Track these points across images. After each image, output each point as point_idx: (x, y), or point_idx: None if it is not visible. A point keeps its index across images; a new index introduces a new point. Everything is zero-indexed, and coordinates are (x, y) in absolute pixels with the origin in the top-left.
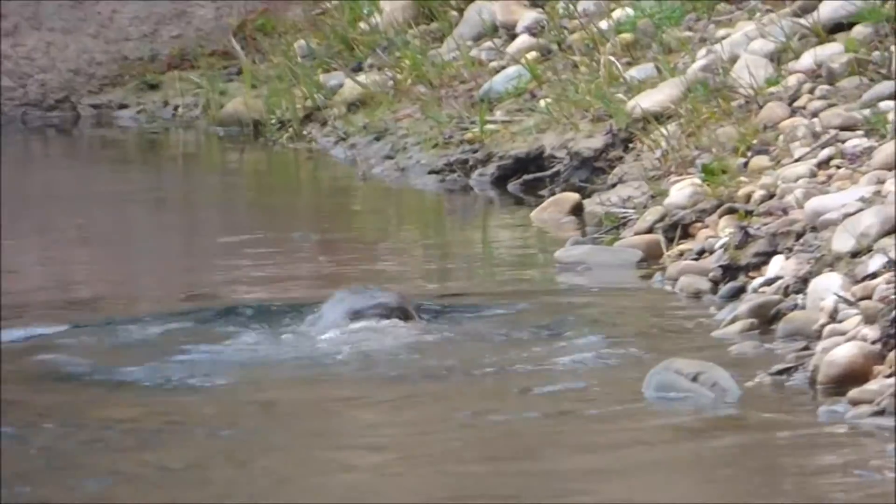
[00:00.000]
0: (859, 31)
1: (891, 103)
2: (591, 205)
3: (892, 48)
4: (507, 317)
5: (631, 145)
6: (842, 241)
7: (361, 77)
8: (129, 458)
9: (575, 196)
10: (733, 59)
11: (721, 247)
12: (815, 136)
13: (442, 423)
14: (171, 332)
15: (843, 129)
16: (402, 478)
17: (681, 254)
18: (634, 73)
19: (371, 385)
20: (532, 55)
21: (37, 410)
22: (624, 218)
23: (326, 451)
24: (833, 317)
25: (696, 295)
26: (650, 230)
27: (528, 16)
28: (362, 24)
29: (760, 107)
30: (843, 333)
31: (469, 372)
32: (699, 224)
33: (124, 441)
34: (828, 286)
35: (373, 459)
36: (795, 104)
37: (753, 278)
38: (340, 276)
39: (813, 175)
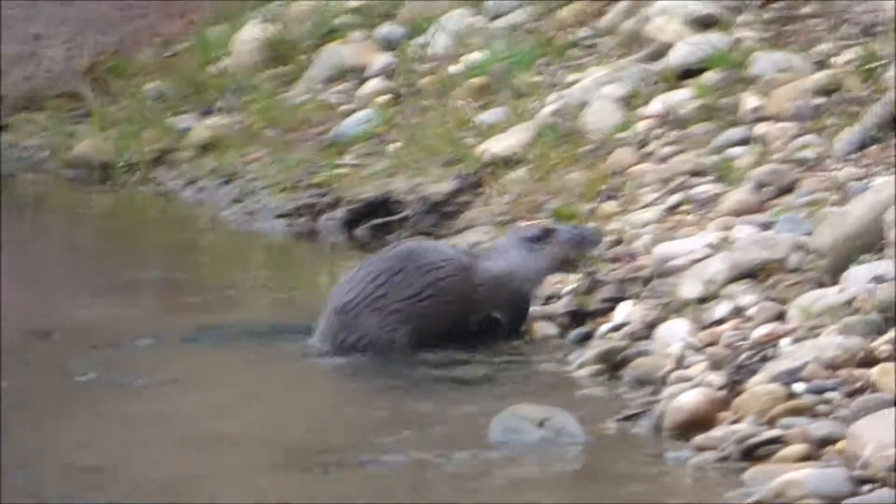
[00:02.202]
0: (709, 76)
1: (739, 149)
2: None
3: (741, 94)
4: (357, 361)
5: (480, 190)
6: (689, 288)
7: (212, 120)
8: None
9: None
10: (583, 105)
11: (569, 292)
12: (664, 181)
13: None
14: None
15: (691, 174)
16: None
17: None
18: (485, 117)
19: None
20: (383, 99)
21: None
22: None
23: None
24: (679, 363)
25: (545, 340)
26: None
27: (379, 59)
28: (213, 67)
29: (610, 152)
30: (689, 380)
31: (316, 420)
32: None
33: None
34: (674, 332)
35: None
36: (645, 150)
37: (601, 324)
38: (188, 316)
39: (661, 221)
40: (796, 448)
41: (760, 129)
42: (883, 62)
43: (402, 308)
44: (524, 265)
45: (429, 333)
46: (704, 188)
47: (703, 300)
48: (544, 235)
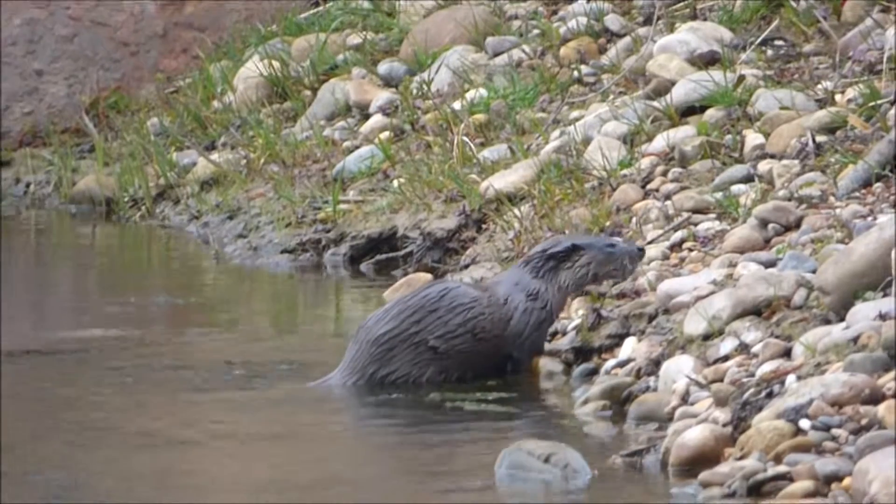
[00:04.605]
0: (711, 114)
1: (743, 186)
2: None
3: (744, 132)
4: (360, 394)
5: (484, 226)
6: (694, 324)
7: (214, 155)
8: None
9: (427, 276)
10: (586, 141)
11: (574, 328)
12: (668, 218)
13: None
14: None
15: (695, 211)
16: None
17: None
18: (487, 153)
19: None
20: (385, 135)
21: None
22: None
23: None
24: (684, 399)
25: (550, 376)
26: None
27: (381, 96)
28: (215, 103)
29: (613, 189)
30: (694, 416)
31: (328, 450)
32: None
33: None
34: (679, 368)
35: None
36: (648, 186)
37: (606, 360)
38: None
39: (665, 257)
40: (803, 484)
41: (764, 166)
42: (887, 100)
43: (438, 345)
44: (549, 289)
45: (459, 372)
46: (708, 225)
47: (707, 337)
48: (571, 252)
